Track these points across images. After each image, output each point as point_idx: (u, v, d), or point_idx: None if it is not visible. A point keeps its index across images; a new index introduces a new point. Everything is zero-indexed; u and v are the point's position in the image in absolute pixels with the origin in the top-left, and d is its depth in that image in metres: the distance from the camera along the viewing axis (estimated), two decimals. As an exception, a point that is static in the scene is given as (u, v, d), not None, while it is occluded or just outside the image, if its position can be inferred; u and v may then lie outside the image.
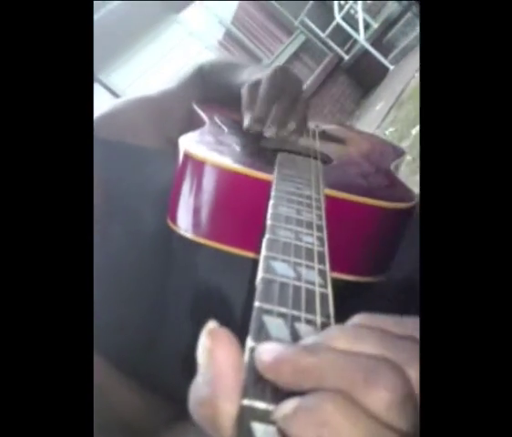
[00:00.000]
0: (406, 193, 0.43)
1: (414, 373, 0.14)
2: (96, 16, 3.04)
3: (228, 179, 0.39)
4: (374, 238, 0.41)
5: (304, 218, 0.28)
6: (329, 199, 0.37)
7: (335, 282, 0.41)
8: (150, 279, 0.44)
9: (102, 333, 0.39)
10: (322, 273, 0.22)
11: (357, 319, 0.16)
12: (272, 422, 0.13)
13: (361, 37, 3.84)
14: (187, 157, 0.41)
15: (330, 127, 0.65)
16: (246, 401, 0.13)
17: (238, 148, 0.46)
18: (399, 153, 0.59)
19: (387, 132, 2.53)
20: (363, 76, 4.10)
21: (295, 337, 0.16)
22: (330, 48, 4.28)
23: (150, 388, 0.39)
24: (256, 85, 0.50)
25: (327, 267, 0.22)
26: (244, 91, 0.51)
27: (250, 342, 0.15)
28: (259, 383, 0.14)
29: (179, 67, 3.42)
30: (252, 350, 0.15)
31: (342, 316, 0.53)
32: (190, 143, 0.43)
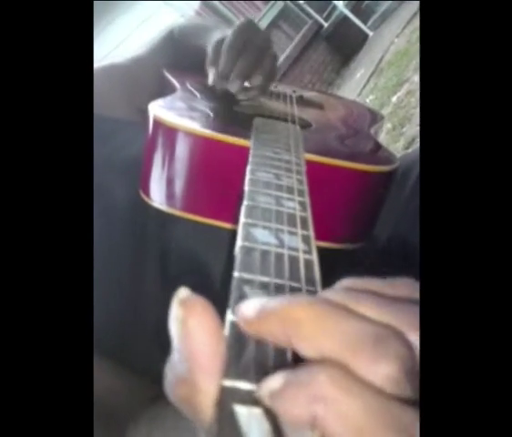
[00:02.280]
0: (387, 156, 0.42)
1: (414, 337, 0.13)
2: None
3: (201, 146, 0.37)
4: (357, 202, 0.40)
5: (285, 182, 0.27)
6: (309, 164, 0.35)
7: (318, 250, 0.40)
8: (124, 255, 0.42)
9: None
10: (305, 239, 0.20)
11: (346, 282, 0.15)
12: (258, 404, 0.12)
13: (339, 3, 3.78)
14: (157, 123, 0.38)
15: (307, 93, 0.63)
16: (227, 382, 0.12)
17: (211, 114, 0.44)
18: (378, 117, 0.58)
19: (368, 100, 2.51)
20: (343, 44, 4.04)
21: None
22: (308, 15, 4.20)
23: (127, 368, 0.38)
24: (221, 41, 0.48)
25: (311, 232, 0.21)
26: (209, 48, 0.49)
27: (230, 316, 0.14)
28: (242, 360, 0.12)
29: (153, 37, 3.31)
30: (233, 324, 0.13)
31: (326, 285, 0.52)
32: (161, 109, 0.41)
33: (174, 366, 0.13)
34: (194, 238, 0.42)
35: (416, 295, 0.15)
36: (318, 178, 0.37)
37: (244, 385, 0.12)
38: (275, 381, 0.12)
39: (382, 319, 0.13)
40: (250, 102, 0.50)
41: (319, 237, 0.39)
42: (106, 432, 0.34)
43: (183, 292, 0.13)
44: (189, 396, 0.12)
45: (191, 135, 0.37)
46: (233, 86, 0.46)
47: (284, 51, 3.95)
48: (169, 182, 0.38)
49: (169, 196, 0.39)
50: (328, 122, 0.52)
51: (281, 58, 3.89)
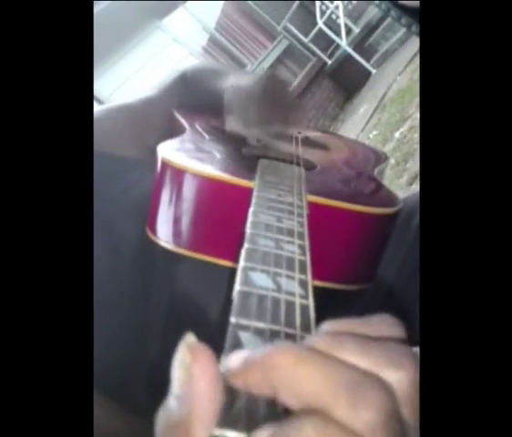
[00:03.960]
0: (390, 198, 0.43)
1: (394, 375, 0.13)
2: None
3: (208, 187, 0.38)
4: (359, 244, 0.41)
5: (285, 225, 0.28)
6: (312, 206, 0.36)
7: (320, 291, 0.40)
8: (130, 294, 0.43)
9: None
10: (302, 283, 0.21)
11: (327, 326, 0.16)
12: None
13: (343, 42, 3.88)
14: (165, 164, 0.40)
15: (312, 134, 0.64)
16: (217, 431, 0.12)
17: (218, 155, 0.45)
18: (382, 158, 0.59)
19: (371, 135, 2.55)
20: (346, 80, 4.13)
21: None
22: (313, 53, 4.31)
23: (130, 409, 0.38)
24: (240, 88, 0.50)
25: (309, 276, 0.22)
26: (228, 94, 0.50)
27: (224, 363, 0.14)
28: (233, 409, 0.13)
29: (162, 74, 3.39)
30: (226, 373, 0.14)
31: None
32: (169, 150, 0.42)
33: (169, 410, 0.13)
34: (198, 276, 0.42)
35: (394, 331, 0.15)
36: (320, 219, 0.38)
37: (233, 435, 0.12)
38: (262, 435, 0.12)
39: (361, 361, 0.13)
40: (259, 144, 0.51)
41: (321, 277, 0.40)
42: None
43: (191, 338, 0.14)
44: None
45: (198, 176, 0.38)
46: (251, 134, 0.47)
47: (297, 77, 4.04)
48: (176, 221, 0.39)
49: (175, 234, 0.39)
50: (332, 163, 0.53)
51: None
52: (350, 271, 0.41)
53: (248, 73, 0.59)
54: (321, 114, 4.02)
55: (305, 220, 0.30)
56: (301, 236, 0.27)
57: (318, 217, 0.38)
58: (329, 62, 4.24)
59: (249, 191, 0.35)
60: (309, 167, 0.47)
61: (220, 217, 0.38)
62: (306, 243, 0.26)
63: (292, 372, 0.13)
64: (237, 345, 0.15)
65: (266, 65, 4.11)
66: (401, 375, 0.13)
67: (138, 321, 0.42)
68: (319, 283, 0.39)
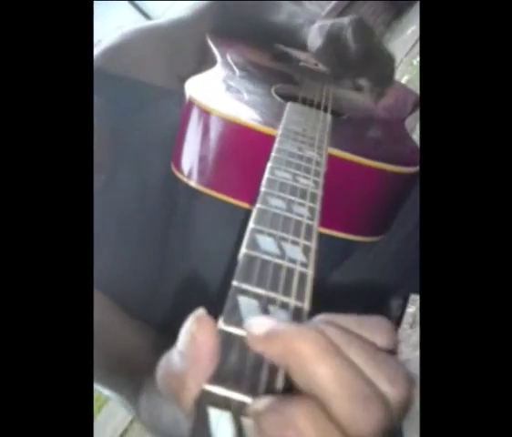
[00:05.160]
0: (414, 156, 0.43)
1: (395, 393, 0.15)
2: None
3: (232, 131, 0.39)
4: (376, 199, 0.42)
5: (300, 185, 0.29)
6: (332, 158, 0.37)
7: (331, 239, 0.42)
8: (155, 226, 0.46)
9: (108, 274, 0.42)
10: (306, 250, 0.23)
11: (326, 317, 0.17)
12: (229, 408, 0.15)
13: (399, -50, 3.52)
14: (192, 103, 0.41)
15: None
16: (207, 386, 0.15)
17: (247, 96, 0.45)
18: (418, 104, 0.58)
19: (415, 61, 2.40)
20: (398, -5, 3.80)
21: (267, 319, 0.18)
22: (364, -40, 3.94)
23: (152, 328, 0.43)
24: (338, 31, 0.48)
25: (313, 243, 0.23)
26: (319, 32, 0.49)
27: (221, 324, 0.17)
28: (223, 368, 0.16)
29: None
30: (221, 332, 0.17)
31: (345, 273, 0.55)
32: (197, 88, 0.43)
33: (172, 361, 0.16)
34: (216, 214, 0.45)
35: (387, 337, 0.17)
36: (340, 172, 0.39)
37: (220, 391, 0.15)
38: (261, 403, 0.14)
39: (366, 368, 0.15)
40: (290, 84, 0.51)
41: (335, 227, 0.42)
42: (128, 385, 0.38)
43: (200, 311, 0.16)
44: (176, 390, 0.16)
45: (223, 119, 0.39)
46: (346, 84, 0.48)
47: (334, -2, 3.76)
48: (199, 160, 0.41)
49: (198, 172, 0.41)
50: (361, 110, 0.52)
51: (330, 5, 3.71)
52: (364, 224, 0.43)
53: (307, 15, 0.56)
54: (365, 31, 3.77)
55: (321, 180, 0.31)
56: (313, 198, 0.28)
57: (337, 169, 0.39)
58: (380, -28, 3.88)
59: (272, 139, 0.36)
60: (337, 112, 0.47)
61: (242, 160, 0.40)
62: (317, 206, 0.27)
63: (309, 361, 0.15)
64: (234, 309, 0.18)
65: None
66: (398, 393, 0.15)
67: (161, 252, 0.46)
68: (333, 233, 0.41)
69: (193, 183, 0.42)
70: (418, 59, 2.42)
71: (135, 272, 0.44)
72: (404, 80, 2.44)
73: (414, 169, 0.41)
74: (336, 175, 0.39)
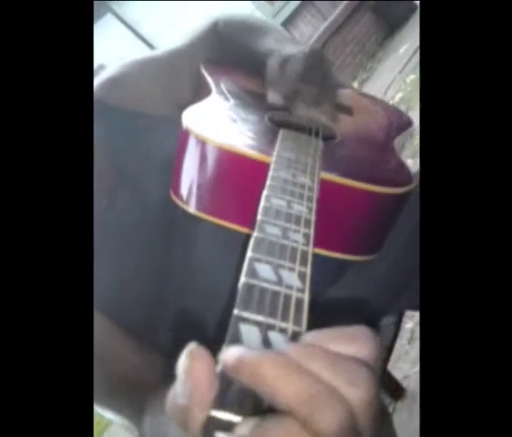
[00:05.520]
0: (403, 176, 0.45)
1: (355, 392, 0.17)
2: None
3: (228, 159, 0.41)
4: (369, 219, 0.43)
5: (294, 211, 0.30)
6: (325, 183, 0.39)
7: (327, 259, 0.43)
8: (155, 249, 0.47)
9: (108, 295, 0.43)
10: (301, 276, 0.24)
11: (308, 336, 0.19)
12: (234, 433, 0.16)
13: (389, -29, 3.61)
14: (188, 133, 0.42)
15: (340, 92, 0.64)
16: (213, 412, 0.16)
17: (241, 124, 0.47)
18: (406, 125, 0.59)
19: (408, 79, 2.44)
20: (390, 14, 3.88)
21: (267, 345, 0.19)
22: (356, -19, 4.03)
23: (151, 348, 0.43)
24: (287, 61, 0.50)
25: (308, 268, 0.25)
26: (274, 64, 0.51)
27: (223, 353, 0.18)
28: (227, 394, 0.17)
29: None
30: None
31: (339, 291, 0.56)
32: (192, 117, 0.44)
33: (176, 396, 0.18)
34: (216, 239, 0.46)
35: (366, 345, 0.18)
36: (332, 195, 0.40)
37: (225, 416, 0.16)
38: (246, 426, 0.16)
39: (325, 374, 0.17)
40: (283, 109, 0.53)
41: (329, 247, 0.43)
42: (130, 405, 0.39)
43: (191, 346, 0.18)
44: (183, 419, 0.17)
45: (218, 147, 0.41)
46: (298, 111, 0.50)
47: (327, 19, 3.84)
48: (196, 187, 0.43)
49: (195, 199, 0.43)
50: (352, 132, 0.54)
51: (324, 26, 3.79)
52: (357, 244, 0.44)
53: (289, 41, 0.58)
54: (358, 50, 3.84)
55: (314, 205, 0.32)
56: (307, 223, 0.29)
57: (330, 193, 0.40)
58: (373, -8, 3.97)
59: (265, 166, 0.38)
60: (329, 136, 0.49)
61: (238, 187, 0.41)
62: (311, 231, 0.29)
63: (272, 383, 0.16)
64: (236, 336, 0.19)
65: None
66: (358, 393, 0.17)
67: (160, 271, 0.47)
68: (323, 252, 0.43)
69: (191, 209, 0.43)
70: (411, 77, 2.46)
71: (135, 294, 0.45)
72: (397, 97, 2.49)
73: (403, 190, 0.42)
74: (329, 198, 0.40)
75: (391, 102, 2.45)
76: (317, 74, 0.50)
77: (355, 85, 3.63)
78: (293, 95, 0.49)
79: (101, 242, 0.45)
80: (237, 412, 0.16)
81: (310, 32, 3.80)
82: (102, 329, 0.42)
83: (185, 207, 0.43)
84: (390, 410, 0.96)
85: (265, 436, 0.16)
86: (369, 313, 0.58)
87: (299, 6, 3.81)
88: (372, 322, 0.66)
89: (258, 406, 0.17)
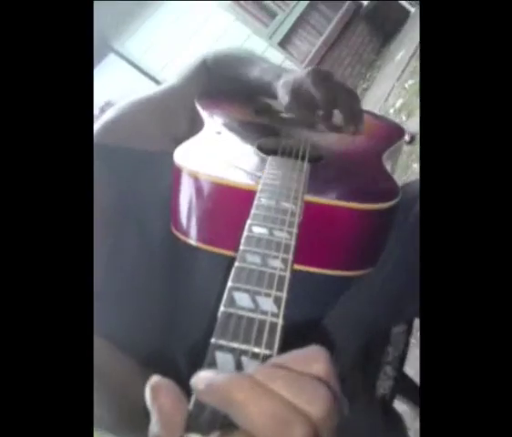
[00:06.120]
0: (389, 190, 0.46)
1: (314, 409, 0.18)
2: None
3: (219, 191, 0.43)
4: (357, 236, 0.44)
5: (275, 238, 0.32)
6: (310, 205, 0.40)
7: (321, 276, 0.44)
8: (160, 284, 0.49)
9: (117, 327, 0.45)
10: (277, 300, 0.26)
11: (272, 360, 0.21)
12: None
13: (379, -19, 3.66)
14: (179, 169, 0.45)
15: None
16: (186, 435, 0.18)
17: (232, 155, 0.49)
18: (396, 137, 0.60)
19: (407, 85, 2.46)
20: (383, 22, 3.92)
21: (239, 370, 0.21)
22: (347, -5, 4.10)
23: (164, 376, 0.45)
24: (297, 85, 0.53)
25: (284, 293, 0.26)
26: (285, 90, 0.54)
27: (194, 378, 0.20)
28: (200, 417, 0.19)
29: (192, 29, 3.37)
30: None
31: (341, 309, 0.57)
32: (184, 154, 0.47)
33: (151, 427, 0.19)
34: (218, 267, 0.48)
35: (319, 363, 0.20)
36: (319, 216, 0.42)
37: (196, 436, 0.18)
38: None
39: (288, 395, 0.18)
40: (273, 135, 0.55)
41: (321, 265, 0.44)
42: (142, 434, 0.41)
43: (153, 379, 0.20)
44: None
45: (209, 181, 0.43)
46: (290, 134, 0.53)
47: (323, 34, 3.90)
48: (193, 219, 0.45)
49: (194, 231, 0.45)
50: (340, 151, 0.55)
51: (320, 41, 3.85)
52: (349, 259, 0.46)
53: (278, 68, 0.61)
54: (356, 61, 3.87)
55: (295, 230, 0.34)
56: (287, 249, 0.31)
57: (316, 213, 0.42)
58: (364, 3, 4.02)
59: (254, 194, 0.40)
60: (315, 158, 0.51)
61: (232, 216, 0.43)
62: (290, 257, 0.30)
63: (237, 404, 0.18)
64: (212, 363, 0.21)
65: (298, 11, 3.97)
66: (316, 409, 0.18)
67: (168, 305, 0.49)
68: (320, 270, 0.44)
69: (191, 241, 0.45)
70: (410, 82, 2.48)
71: (143, 324, 0.47)
72: (398, 104, 2.50)
73: (389, 204, 0.43)
74: (318, 219, 0.42)
75: (392, 109, 2.46)
76: (330, 86, 0.52)
77: (356, 95, 3.66)
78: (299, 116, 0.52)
79: (109, 278, 0.48)
80: (208, 433, 0.18)
81: (307, 48, 3.86)
82: (111, 359, 0.44)
83: (185, 239, 0.46)
84: (414, 415, 0.94)
85: None
86: (375, 327, 0.58)
87: (293, 25, 3.88)
88: (380, 333, 0.66)
89: (227, 426, 0.18)
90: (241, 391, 0.18)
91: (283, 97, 0.53)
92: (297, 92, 0.52)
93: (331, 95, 0.51)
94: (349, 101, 0.53)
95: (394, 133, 0.62)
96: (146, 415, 0.42)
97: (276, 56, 3.48)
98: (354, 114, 0.54)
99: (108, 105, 0.70)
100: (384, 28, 3.96)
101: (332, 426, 0.18)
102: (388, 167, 0.53)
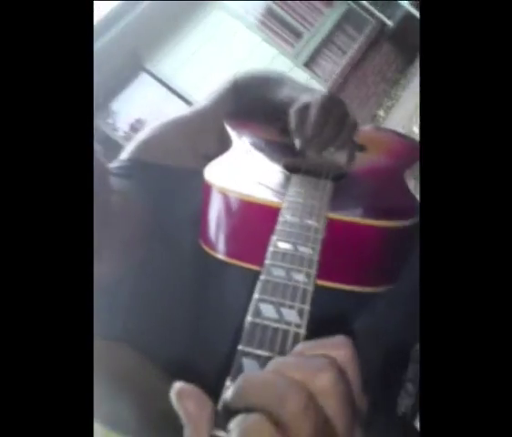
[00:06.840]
0: (410, 208, 0.47)
1: (317, 380, 0.20)
2: (139, 8, 3.15)
3: (246, 207, 0.45)
4: (379, 253, 0.45)
5: (299, 253, 0.34)
6: (332, 222, 0.42)
7: (344, 292, 0.46)
8: (189, 295, 0.51)
9: (153, 343, 0.47)
10: (300, 312, 0.27)
11: (297, 347, 0.23)
12: None
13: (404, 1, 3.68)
14: (208, 186, 0.47)
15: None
16: (212, 432, 0.20)
17: (259, 174, 0.51)
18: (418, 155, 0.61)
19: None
20: (408, 41, 3.93)
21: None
22: (372, 15, 4.13)
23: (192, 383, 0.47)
24: (305, 108, 0.55)
25: (306, 306, 0.28)
26: (294, 113, 0.56)
27: (228, 382, 0.22)
28: (224, 415, 0.20)
29: (220, 50, 3.46)
30: (228, 388, 0.21)
31: (362, 324, 0.58)
32: (213, 171, 0.49)
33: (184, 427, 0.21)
34: (246, 282, 0.50)
35: (340, 349, 0.21)
36: (341, 233, 0.43)
37: (222, 433, 0.20)
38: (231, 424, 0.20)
39: (295, 374, 0.20)
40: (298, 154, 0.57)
41: (344, 281, 0.45)
42: None
43: (176, 385, 0.22)
44: None
45: (237, 198, 0.45)
46: (317, 150, 0.54)
47: (347, 53, 3.93)
48: (222, 235, 0.47)
49: (223, 246, 0.47)
50: (362, 169, 0.57)
51: (344, 61, 3.88)
52: (370, 276, 0.47)
53: (305, 89, 0.63)
54: (380, 80, 3.88)
55: (318, 246, 0.35)
56: (310, 264, 0.33)
57: (339, 230, 0.43)
58: (389, 23, 4.04)
59: (279, 211, 0.42)
60: (338, 176, 0.52)
61: (258, 232, 0.45)
62: (313, 271, 0.32)
63: (256, 394, 0.20)
64: (239, 369, 0.23)
65: (324, 31, 4.02)
66: (319, 381, 0.20)
67: (198, 319, 0.51)
68: (341, 286, 0.45)
69: (219, 255, 0.47)
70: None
71: (171, 335, 0.49)
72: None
73: (409, 222, 0.44)
74: (340, 235, 0.43)
75: (415, 127, 2.44)
76: (333, 117, 0.54)
77: (381, 112, 3.66)
78: (312, 139, 0.53)
79: (139, 291, 0.50)
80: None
81: (331, 68, 3.89)
82: (140, 367, 0.46)
83: (213, 253, 0.48)
84: None
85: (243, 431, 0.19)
86: (397, 341, 0.59)
87: (319, 45, 3.93)
88: (401, 349, 0.66)
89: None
90: (265, 389, 0.20)
91: (291, 121, 0.55)
92: (303, 115, 0.54)
93: (326, 124, 0.53)
94: (344, 135, 0.55)
95: (416, 151, 0.63)
96: (171, 422, 0.44)
97: (301, 77, 3.53)
98: (344, 147, 0.55)
99: (139, 122, 0.74)
100: (409, 47, 3.96)
101: (338, 400, 0.20)
102: (411, 185, 0.54)
